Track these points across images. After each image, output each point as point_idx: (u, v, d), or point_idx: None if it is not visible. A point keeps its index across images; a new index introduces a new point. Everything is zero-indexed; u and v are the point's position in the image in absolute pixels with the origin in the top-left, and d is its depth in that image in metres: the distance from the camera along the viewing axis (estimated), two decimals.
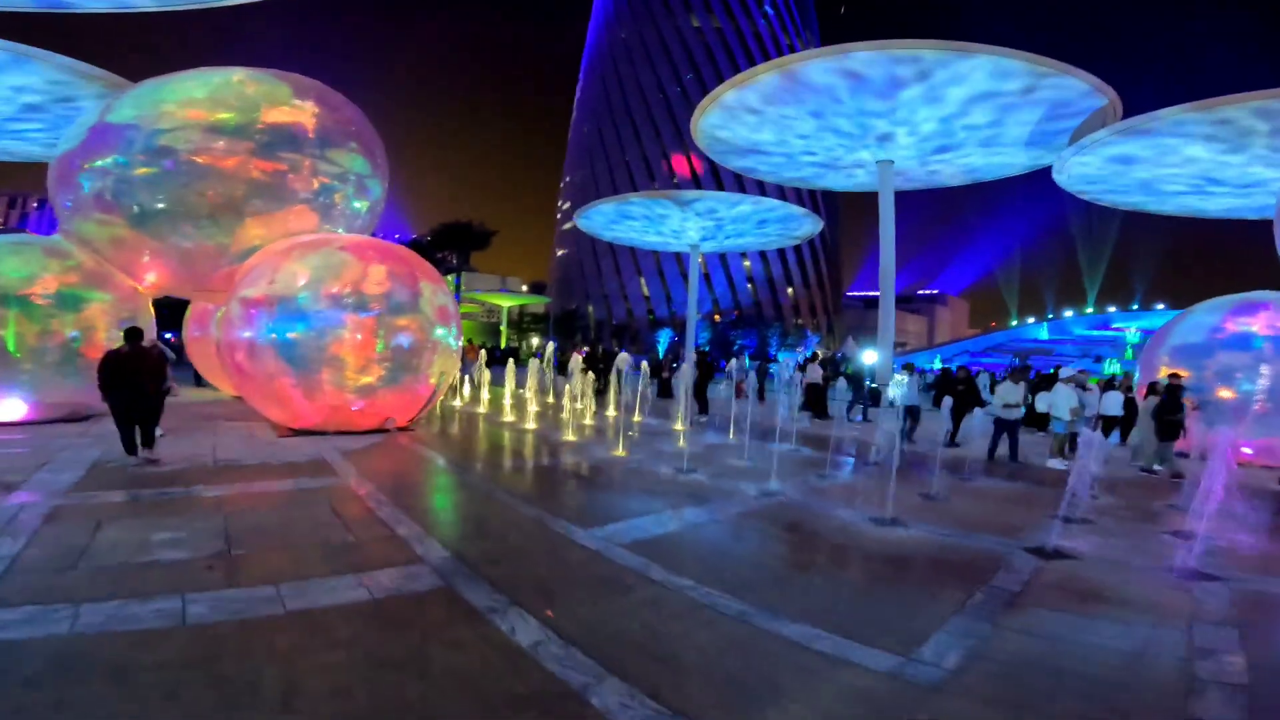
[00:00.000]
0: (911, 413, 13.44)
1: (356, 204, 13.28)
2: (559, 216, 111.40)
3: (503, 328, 74.59)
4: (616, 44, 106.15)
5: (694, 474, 9.30)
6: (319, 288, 10.53)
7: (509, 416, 14.79)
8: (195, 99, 11.51)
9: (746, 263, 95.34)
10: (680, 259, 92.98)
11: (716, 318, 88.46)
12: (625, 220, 39.03)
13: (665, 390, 22.68)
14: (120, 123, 11.19)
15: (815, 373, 20.97)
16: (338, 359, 10.52)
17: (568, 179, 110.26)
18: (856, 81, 21.18)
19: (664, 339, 71.42)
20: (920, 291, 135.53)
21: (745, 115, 25.43)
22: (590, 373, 19.49)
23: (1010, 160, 27.57)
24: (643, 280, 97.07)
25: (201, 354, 16.51)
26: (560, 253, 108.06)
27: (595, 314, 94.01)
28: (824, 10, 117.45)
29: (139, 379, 8.33)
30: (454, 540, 5.84)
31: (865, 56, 18.88)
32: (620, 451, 10.86)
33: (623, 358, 13.91)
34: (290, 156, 12.08)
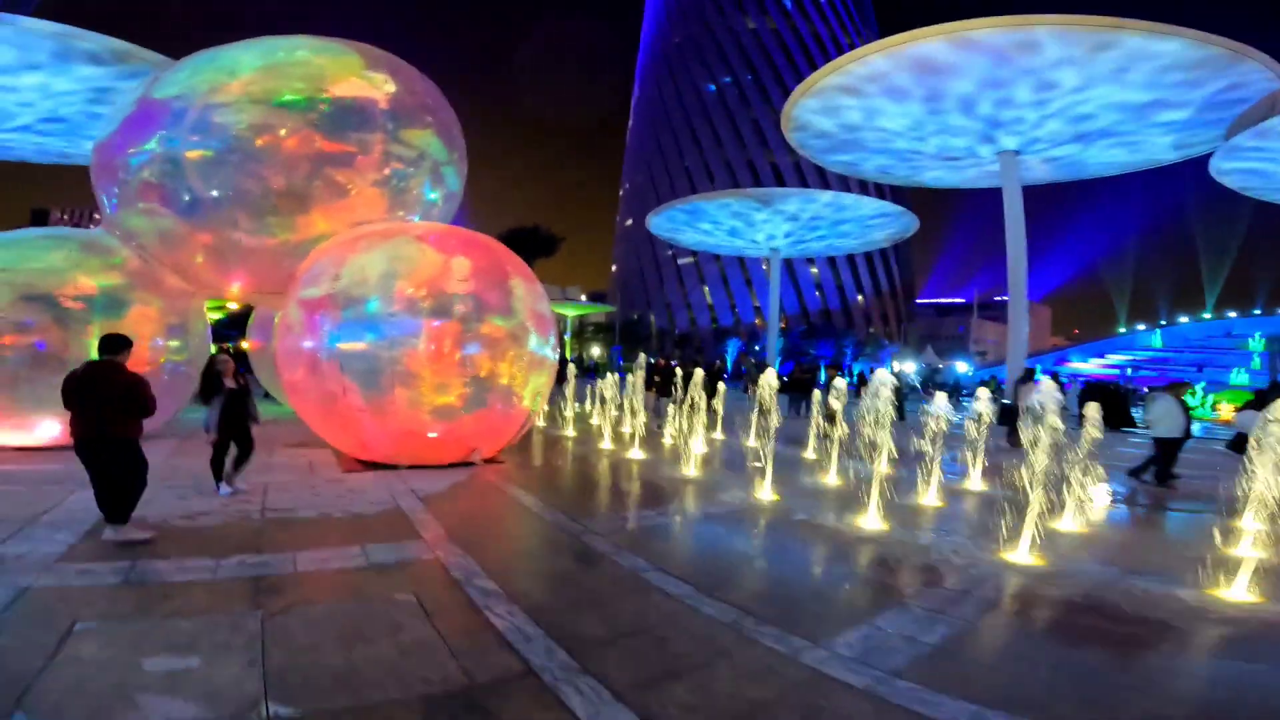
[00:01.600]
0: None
1: (431, 194, 11.30)
2: (619, 224, 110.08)
3: (567, 338, 73.27)
4: (670, 48, 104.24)
5: (905, 535, 6.71)
6: (390, 287, 8.48)
7: (606, 442, 12.50)
8: (253, 70, 9.74)
9: (814, 269, 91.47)
10: (745, 265, 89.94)
11: (782, 325, 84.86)
12: (701, 223, 36.61)
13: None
14: (167, 98, 9.51)
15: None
16: (413, 375, 8.43)
17: (627, 186, 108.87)
18: (994, 59, 18.26)
19: (731, 348, 68.41)
20: (998, 298, 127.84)
21: (845, 103, 22.78)
22: (660, 388, 17.12)
23: (1153, 154, 23.93)
24: (706, 288, 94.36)
25: (265, 364, 14.92)
26: (620, 261, 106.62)
27: (657, 323, 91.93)
28: (881, 9, 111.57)
29: (95, 409, 5.32)
30: (626, 678, 3.45)
31: (1046, 32, 15.99)
32: (772, 495, 8.38)
33: (768, 375, 10.89)
34: (360, 136, 10.17)
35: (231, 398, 7.15)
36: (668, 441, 12.97)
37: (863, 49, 19.36)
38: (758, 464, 10.70)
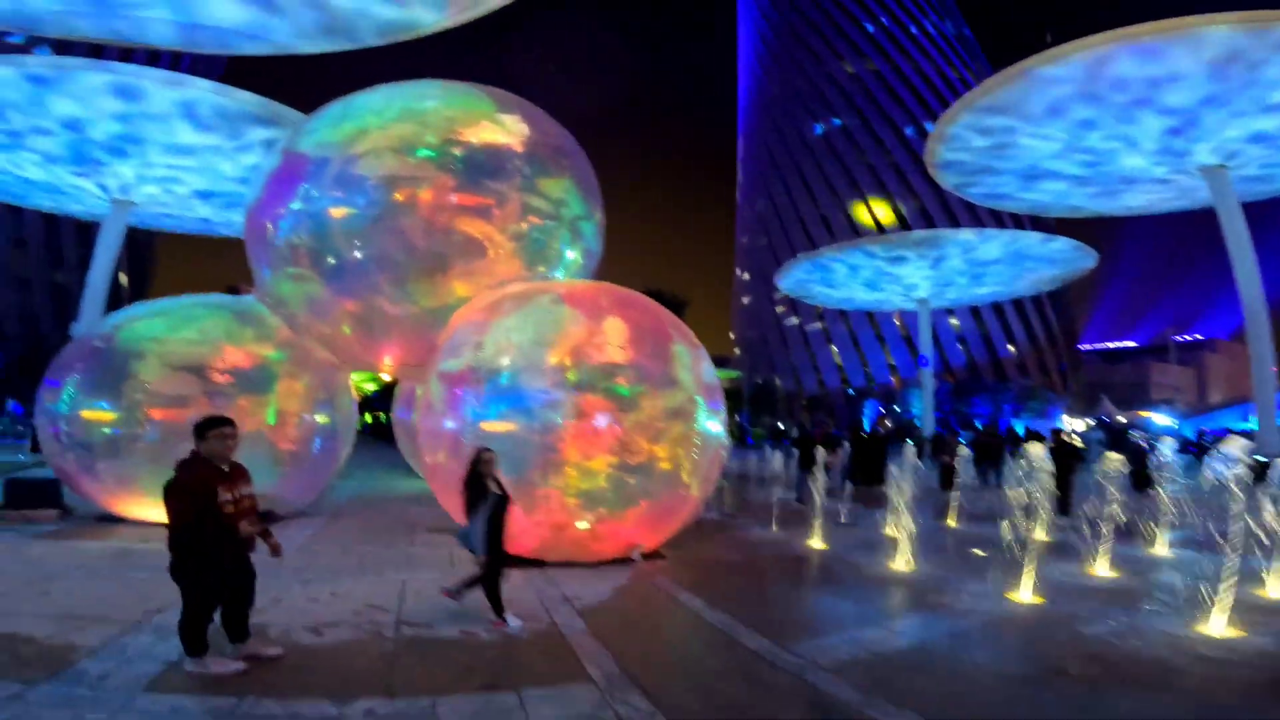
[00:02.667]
0: None
1: (570, 253, 10.45)
2: (736, 284, 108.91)
3: None
4: (769, 100, 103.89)
5: None
6: (537, 356, 7.43)
7: (774, 526, 10.66)
8: (387, 118, 9.48)
9: (954, 320, 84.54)
10: (875, 322, 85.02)
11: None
12: (835, 276, 34.40)
13: (947, 480, 17.11)
14: (308, 152, 9.36)
15: None
16: (563, 459, 7.21)
17: (742, 242, 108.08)
18: (1209, 61, 15.39)
19: (868, 411, 63.60)
20: (1178, 337, 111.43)
21: (996, 123, 20.43)
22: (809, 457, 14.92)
23: None
24: (834, 348, 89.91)
25: (412, 443, 14.65)
26: (741, 323, 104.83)
27: (784, 387, 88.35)
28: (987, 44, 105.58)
29: None
30: None
31: None
32: (1031, 595, 6.19)
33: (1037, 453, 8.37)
34: (496, 186, 9.54)
35: (499, 506, 5.80)
36: (846, 524, 10.93)
37: (1036, 57, 17.10)
38: (979, 552, 8.46)
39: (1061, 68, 16.83)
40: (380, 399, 39.63)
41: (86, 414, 8.17)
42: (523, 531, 7.75)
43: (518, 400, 7.24)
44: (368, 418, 50.69)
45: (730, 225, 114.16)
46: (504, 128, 9.96)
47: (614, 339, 7.46)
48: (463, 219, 9.39)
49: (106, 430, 8.14)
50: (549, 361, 7.30)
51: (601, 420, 7.22)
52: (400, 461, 16.35)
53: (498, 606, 5.59)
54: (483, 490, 5.80)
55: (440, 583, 6.68)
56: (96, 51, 21.90)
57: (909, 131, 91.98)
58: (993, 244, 28.53)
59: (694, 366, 7.83)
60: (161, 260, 75.38)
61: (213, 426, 4.36)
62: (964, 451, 13.19)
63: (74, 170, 20.03)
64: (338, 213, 9.20)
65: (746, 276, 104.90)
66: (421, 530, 9.49)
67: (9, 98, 16.57)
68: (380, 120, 9.47)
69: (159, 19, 16.02)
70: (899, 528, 8.46)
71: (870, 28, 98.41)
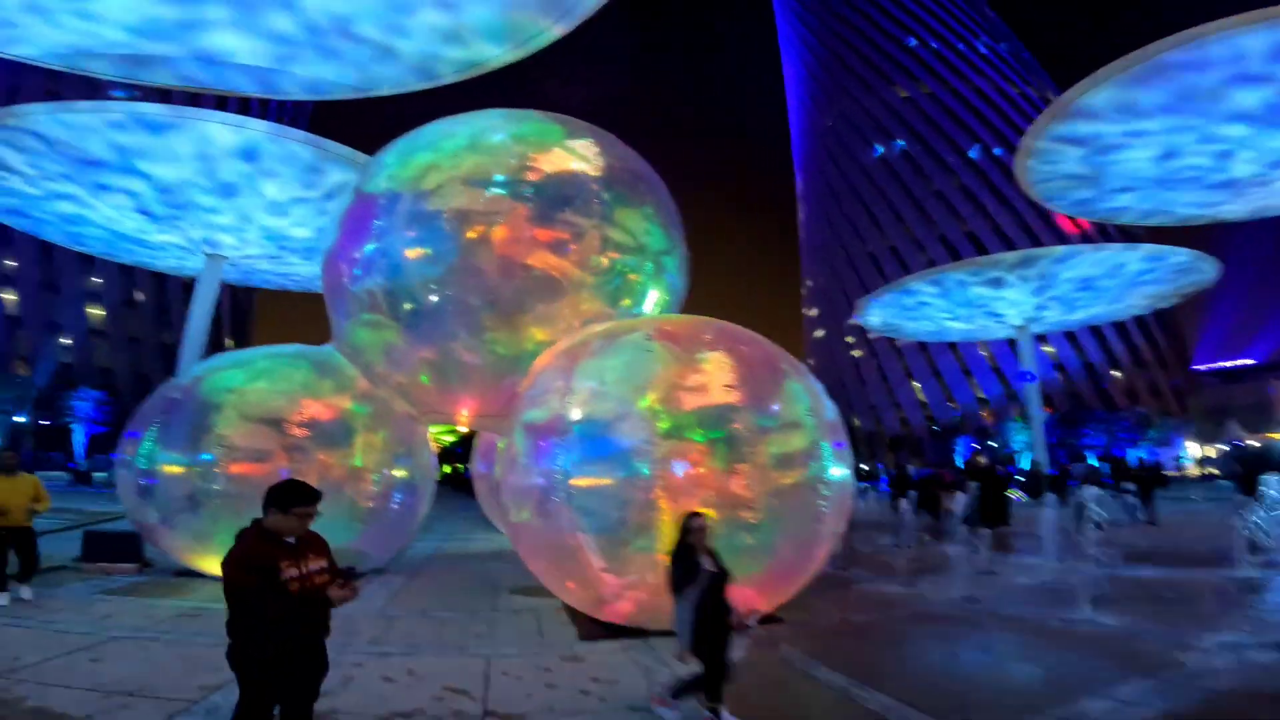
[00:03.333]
0: None
1: (653, 291, 9.74)
2: (805, 322, 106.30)
3: None
4: (824, 131, 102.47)
5: None
6: (631, 402, 6.65)
7: (899, 579, 9.32)
8: (457, 150, 9.13)
9: (1048, 348, 78.95)
10: (959, 353, 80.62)
11: (1016, 414, 73.08)
12: (921, 306, 32.47)
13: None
14: (379, 192, 9.10)
15: None
16: (662, 514, 6.32)
17: (809, 283, 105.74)
18: None
19: (960, 447, 59.43)
20: None
21: (1099, 128, 18.78)
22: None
23: None
24: (915, 384, 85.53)
25: (492, 496, 14.12)
26: (813, 363, 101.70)
27: (864, 427, 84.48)
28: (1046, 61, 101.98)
29: None
30: None
31: None
32: None
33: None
34: (573, 220, 8.99)
35: (715, 586, 4.63)
36: (987, 571, 9.48)
37: (1153, 46, 15.54)
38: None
39: (1197, 52, 15.22)
40: (460, 450, 39.89)
41: (164, 467, 7.95)
42: (621, 597, 6.91)
43: (612, 451, 6.45)
44: (446, 468, 51.47)
45: (794, 262, 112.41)
46: (577, 155, 9.50)
47: (719, 378, 6.60)
48: (539, 254, 8.87)
49: (183, 484, 7.87)
50: (645, 406, 6.50)
51: (708, 470, 6.31)
52: (480, 515, 15.85)
53: (689, 694, 4.55)
54: (693, 567, 4.57)
55: (529, 664, 5.85)
56: (164, 97, 23.22)
57: (974, 154, 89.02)
58: (1101, 259, 26.14)
59: (814, 405, 6.85)
60: (263, 318, 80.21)
61: (298, 502, 3.46)
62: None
63: (164, 223, 21.13)
64: (412, 254, 8.86)
65: (815, 313, 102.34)
66: (505, 592, 8.74)
67: (108, 145, 17.54)
68: (449, 153, 9.18)
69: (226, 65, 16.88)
70: (1061, 571, 7.06)
71: (920, 51, 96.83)
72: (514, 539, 7.56)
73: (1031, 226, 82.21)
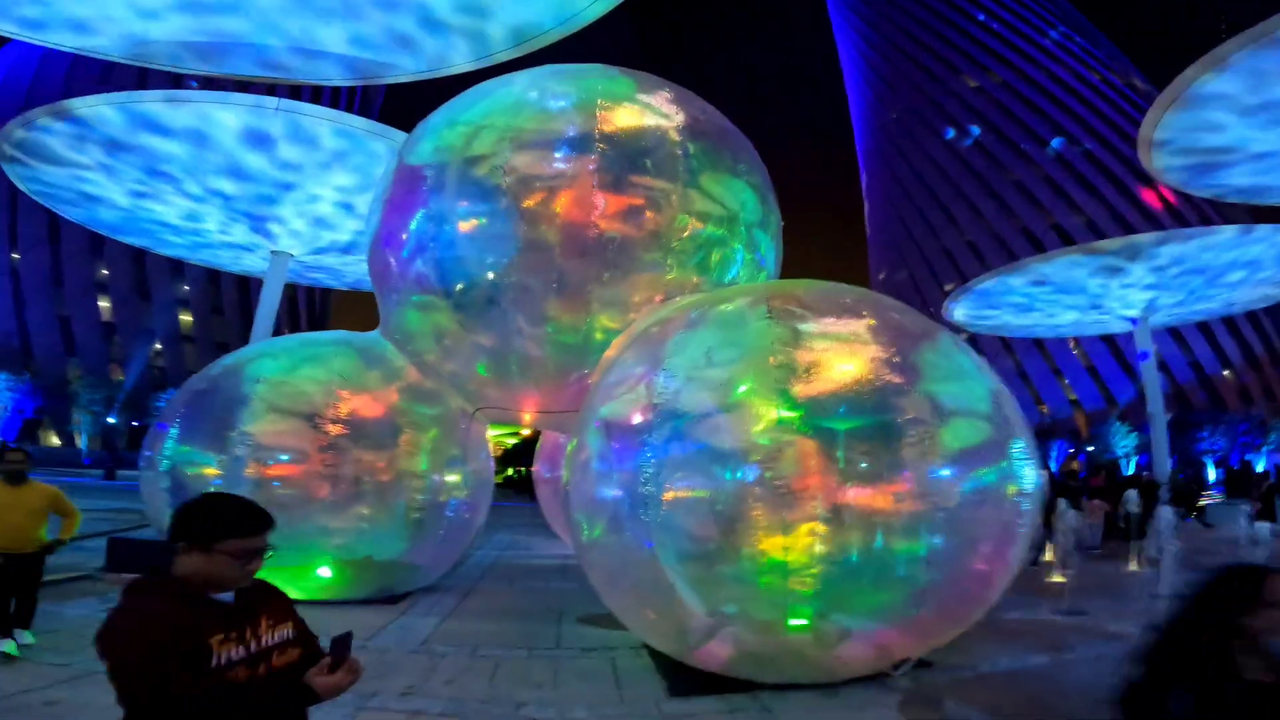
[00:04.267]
0: None
1: (743, 269, 8.26)
2: None
3: None
4: (889, 124, 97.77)
5: None
6: (732, 387, 5.16)
7: (1057, 605, 7.46)
8: (507, 107, 7.88)
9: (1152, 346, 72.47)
10: (1046, 351, 75.23)
11: (1119, 416, 67.32)
12: (1018, 300, 29.52)
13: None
14: (422, 161, 7.93)
15: None
16: (778, 532, 4.81)
17: (880, 277, 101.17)
18: None
19: (1055, 452, 54.84)
20: None
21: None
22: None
23: None
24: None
25: (552, 504, 12.88)
26: None
27: None
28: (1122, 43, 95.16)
29: None
30: None
31: None
32: None
33: None
34: (650, 185, 7.60)
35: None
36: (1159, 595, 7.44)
37: None
38: None
39: None
40: (522, 452, 39.14)
41: (185, 469, 6.98)
42: (713, 636, 5.45)
43: (714, 452, 4.97)
44: (509, 471, 50.85)
45: (859, 258, 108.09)
46: (653, 109, 8.10)
47: (866, 353, 5.00)
48: (611, 225, 7.53)
49: (204, 488, 6.86)
50: (761, 392, 4.99)
51: (848, 474, 4.76)
52: (543, 521, 14.68)
53: None
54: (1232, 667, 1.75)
55: None
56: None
57: (1058, 143, 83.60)
58: (1234, 242, 22.83)
59: (997, 390, 5.17)
60: (339, 320, 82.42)
61: (232, 531, 1.99)
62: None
63: (228, 218, 20.92)
64: (465, 226, 7.71)
65: None
66: (571, 620, 7.39)
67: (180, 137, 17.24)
68: (501, 112, 7.95)
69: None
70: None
71: (988, 40, 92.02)
72: (585, 561, 6.19)
73: (1125, 216, 76.40)
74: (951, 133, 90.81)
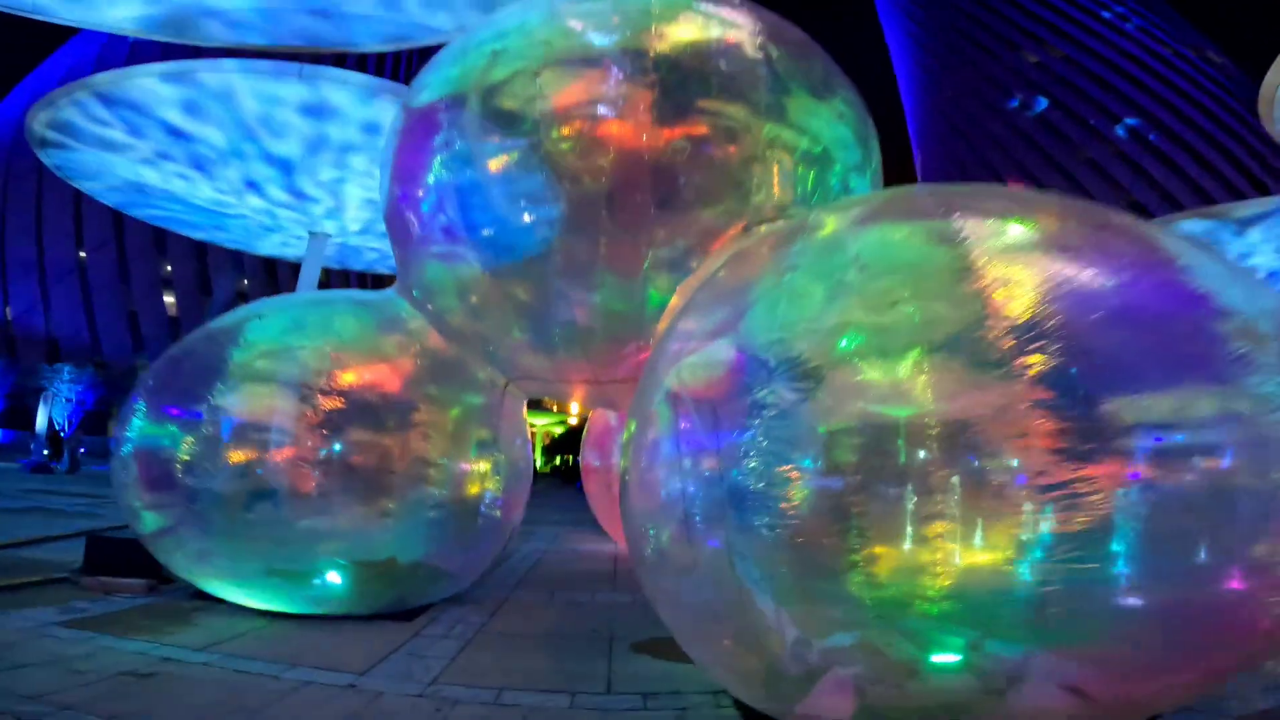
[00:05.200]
0: None
1: None
2: None
3: None
4: (944, 102, 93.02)
5: None
6: (891, 334, 3.46)
7: None
8: (538, 24, 6.26)
9: None
10: None
11: None
12: None
13: None
14: (437, 100, 6.40)
15: None
16: (958, 546, 3.13)
17: None
18: None
19: None
20: None
21: None
22: None
23: None
24: None
25: (601, 497, 11.37)
26: None
27: None
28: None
29: None
30: None
31: None
32: None
33: None
34: (722, 112, 5.90)
35: None
36: None
37: None
38: None
39: None
40: (570, 440, 37.70)
41: (149, 452, 5.67)
42: (821, 676, 3.85)
43: (828, 426, 3.31)
44: (556, 460, 49.38)
45: None
46: (722, 21, 6.38)
47: (1080, 280, 3.23)
48: (671, 162, 5.91)
49: (169, 475, 5.55)
50: (905, 334, 3.30)
51: (1043, 449, 3.04)
52: (590, 517, 13.21)
53: None
54: None
55: None
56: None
57: (1132, 121, 78.72)
58: None
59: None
60: None
61: None
62: None
63: (269, 200, 20.12)
64: (493, 164, 6.18)
65: None
66: (625, 648, 5.81)
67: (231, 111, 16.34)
68: (528, 30, 6.36)
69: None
70: None
71: (1046, 14, 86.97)
72: (646, 577, 4.59)
73: (1206, 190, 71.24)
74: (1014, 110, 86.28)
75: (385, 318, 6.58)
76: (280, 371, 5.73)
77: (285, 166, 18.51)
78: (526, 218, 6.19)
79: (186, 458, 5.45)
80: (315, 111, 16.28)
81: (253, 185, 19.26)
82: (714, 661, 4.53)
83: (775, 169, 6.19)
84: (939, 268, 3.43)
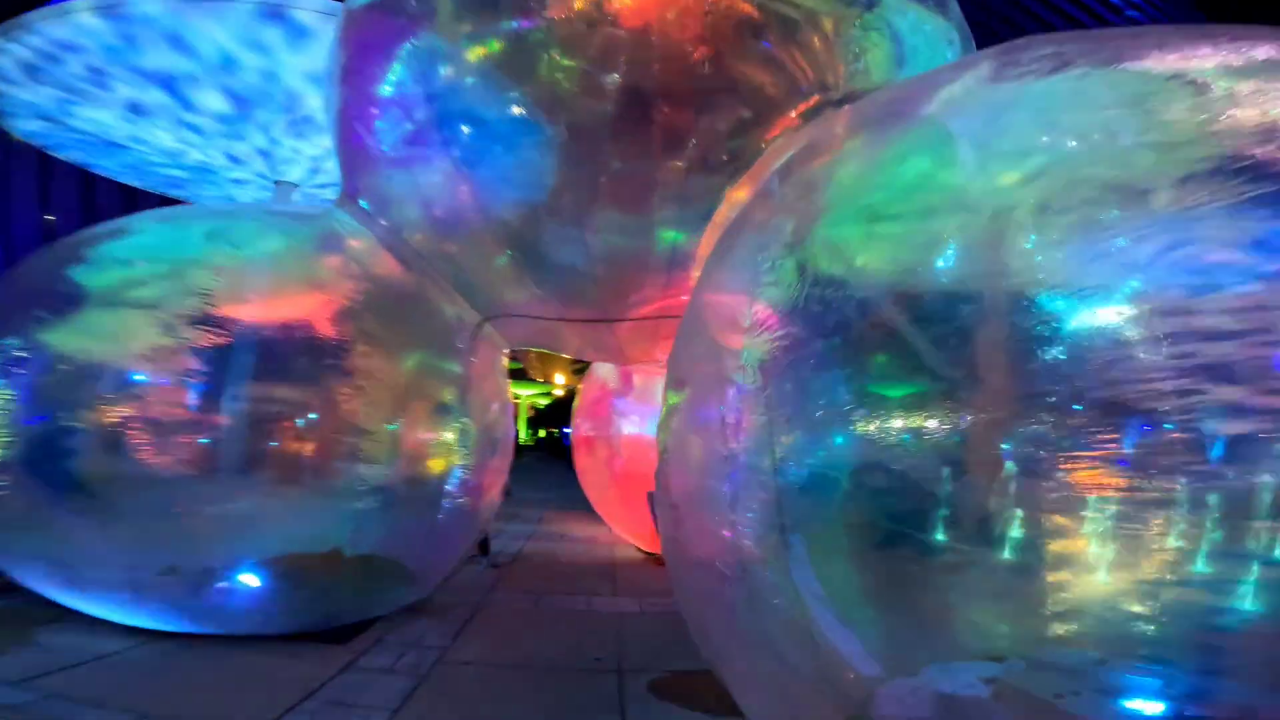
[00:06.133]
0: None
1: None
2: None
3: None
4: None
5: None
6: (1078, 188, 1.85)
7: None
8: None
9: None
10: None
11: None
12: None
13: None
14: None
15: None
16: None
17: None
18: None
19: None
20: None
21: None
22: None
23: None
24: None
25: (594, 472, 9.70)
26: None
27: None
28: None
29: None
30: None
31: None
32: None
33: None
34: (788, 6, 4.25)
35: None
36: None
37: None
38: None
39: None
40: (554, 414, 34.85)
41: None
42: None
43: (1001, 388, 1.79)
44: (540, 432, 46.11)
45: None
46: None
47: None
48: (717, 71, 4.25)
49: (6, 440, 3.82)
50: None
51: None
52: (580, 496, 11.55)
53: None
54: None
55: None
56: None
57: None
58: None
59: None
60: None
61: None
62: None
63: (226, 146, 18.01)
64: (473, 54, 4.47)
65: None
66: (640, 684, 4.22)
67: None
68: None
69: None
70: None
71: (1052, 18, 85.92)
72: (690, 604, 2.98)
73: None
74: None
75: (316, 233, 4.80)
76: (146, 298, 3.95)
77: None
78: (516, 109, 4.51)
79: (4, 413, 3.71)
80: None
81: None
82: (774, 709, 2.99)
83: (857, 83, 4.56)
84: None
